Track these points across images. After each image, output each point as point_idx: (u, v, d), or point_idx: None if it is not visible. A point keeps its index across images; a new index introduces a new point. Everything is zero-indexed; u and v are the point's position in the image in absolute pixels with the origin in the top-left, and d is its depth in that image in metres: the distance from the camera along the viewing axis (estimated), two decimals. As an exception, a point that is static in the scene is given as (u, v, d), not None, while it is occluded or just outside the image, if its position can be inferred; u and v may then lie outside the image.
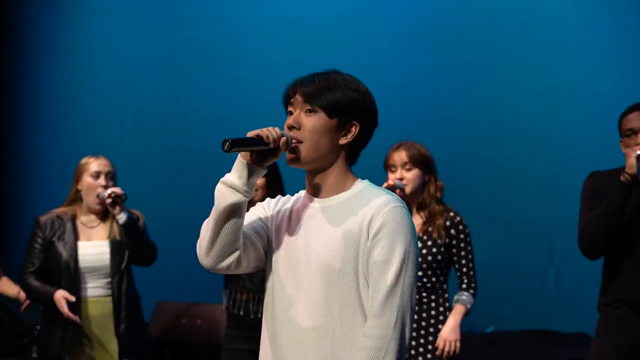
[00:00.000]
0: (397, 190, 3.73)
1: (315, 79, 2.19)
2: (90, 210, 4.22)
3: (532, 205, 5.89)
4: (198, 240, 2.19)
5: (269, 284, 2.24)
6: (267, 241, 2.25)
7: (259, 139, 2.08)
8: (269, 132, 2.09)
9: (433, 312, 3.76)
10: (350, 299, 2.12)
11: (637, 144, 3.41)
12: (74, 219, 4.20)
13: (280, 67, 6.13)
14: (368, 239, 2.11)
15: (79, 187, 4.22)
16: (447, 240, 3.77)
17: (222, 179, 2.13)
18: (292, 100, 2.19)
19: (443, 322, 3.75)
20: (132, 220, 4.14)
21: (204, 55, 6.51)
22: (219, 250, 2.15)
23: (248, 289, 4.15)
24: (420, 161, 3.79)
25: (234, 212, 2.11)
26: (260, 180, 4.03)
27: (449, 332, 3.68)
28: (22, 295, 4.33)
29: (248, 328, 4.07)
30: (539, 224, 5.87)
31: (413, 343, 3.75)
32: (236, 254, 2.16)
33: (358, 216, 2.13)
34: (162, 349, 5.41)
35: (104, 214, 4.23)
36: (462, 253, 3.79)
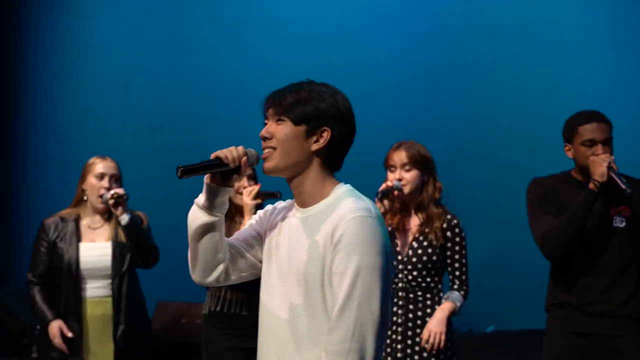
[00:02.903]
0: (396, 192, 3.73)
1: (285, 91, 2.26)
2: (95, 211, 4.23)
3: (532, 205, 5.89)
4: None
5: (261, 290, 2.32)
6: (260, 250, 2.33)
7: (218, 161, 2.20)
8: (230, 152, 2.20)
9: (429, 310, 3.77)
10: (318, 309, 2.15)
11: (598, 153, 3.57)
12: (77, 220, 4.21)
13: (281, 66, 6.13)
14: (331, 248, 2.13)
15: (83, 187, 4.23)
16: (442, 242, 3.78)
17: (195, 200, 2.27)
18: (266, 113, 2.28)
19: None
20: (134, 222, 4.14)
21: (204, 55, 6.51)
22: (202, 266, 2.28)
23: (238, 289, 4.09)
24: (420, 162, 3.80)
25: (207, 230, 2.24)
26: None
27: (434, 324, 3.68)
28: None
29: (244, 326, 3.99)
30: (539, 224, 5.87)
31: (409, 342, 3.75)
32: (220, 267, 2.28)
33: (326, 226, 2.16)
34: (162, 349, 5.41)
35: (109, 215, 4.24)
36: (457, 256, 3.81)
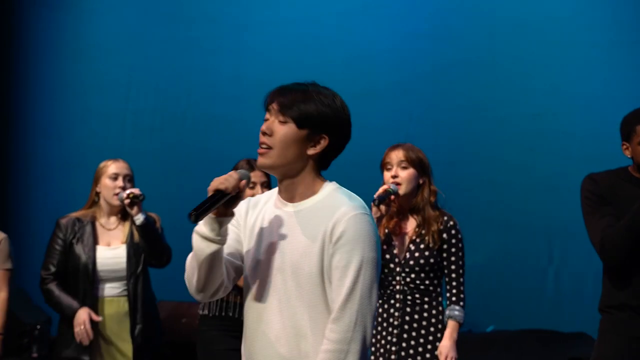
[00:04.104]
0: (392, 196, 3.72)
1: (292, 90, 2.29)
2: (110, 213, 4.30)
3: (532, 205, 5.89)
4: (186, 277, 2.34)
5: (247, 286, 2.37)
6: (242, 252, 2.38)
7: (220, 194, 2.19)
8: (227, 181, 2.20)
9: (426, 314, 3.75)
10: (317, 300, 2.24)
11: None
12: (93, 221, 4.28)
13: (281, 66, 6.13)
14: (331, 244, 2.22)
15: (97, 189, 4.29)
16: (439, 244, 3.77)
17: (196, 229, 2.27)
18: (269, 107, 2.30)
19: (437, 324, 3.75)
20: (148, 222, 4.20)
21: (204, 55, 6.51)
22: (209, 289, 2.33)
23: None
24: (417, 162, 3.80)
25: (214, 258, 2.26)
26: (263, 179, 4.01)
27: (449, 349, 3.70)
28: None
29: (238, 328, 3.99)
30: (539, 224, 5.87)
31: (403, 344, 3.75)
32: (223, 285, 2.34)
33: (323, 222, 2.24)
34: (163, 349, 5.41)
35: (123, 216, 4.30)
36: (453, 259, 3.78)
